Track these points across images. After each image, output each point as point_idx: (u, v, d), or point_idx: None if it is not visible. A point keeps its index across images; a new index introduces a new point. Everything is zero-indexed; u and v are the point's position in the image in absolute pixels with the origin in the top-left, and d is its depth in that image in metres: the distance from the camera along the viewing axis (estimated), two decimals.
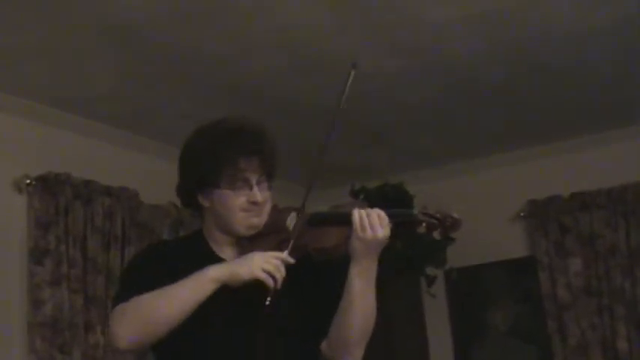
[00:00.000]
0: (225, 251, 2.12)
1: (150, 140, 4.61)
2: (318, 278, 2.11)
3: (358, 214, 1.99)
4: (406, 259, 4.81)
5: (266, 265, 1.93)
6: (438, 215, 1.99)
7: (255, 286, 1.93)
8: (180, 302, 1.93)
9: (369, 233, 1.97)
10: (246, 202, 2.04)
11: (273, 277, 1.92)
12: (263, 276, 1.92)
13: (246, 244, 2.10)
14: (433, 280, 5.17)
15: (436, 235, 2.02)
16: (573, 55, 3.97)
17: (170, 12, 3.30)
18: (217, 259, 2.10)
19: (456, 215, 1.99)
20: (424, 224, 2.00)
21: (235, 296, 1.95)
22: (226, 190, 2.04)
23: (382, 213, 2.00)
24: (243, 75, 3.94)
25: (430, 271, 5.17)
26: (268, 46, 3.66)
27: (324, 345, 2.11)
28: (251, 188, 2.05)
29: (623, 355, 4.78)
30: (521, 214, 5.29)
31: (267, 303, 1.92)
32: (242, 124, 2.10)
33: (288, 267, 1.97)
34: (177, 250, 2.17)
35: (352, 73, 2.07)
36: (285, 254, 1.97)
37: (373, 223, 1.98)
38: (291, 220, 2.06)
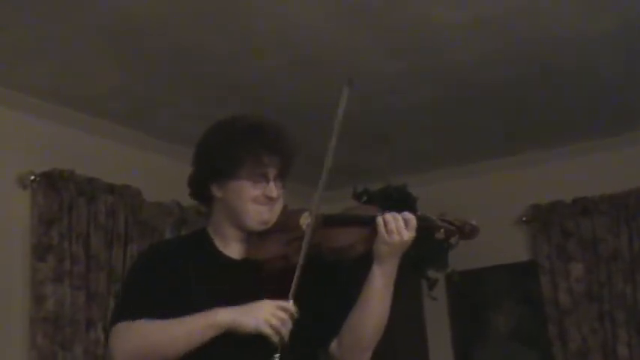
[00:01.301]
0: (232, 248, 2.12)
1: (153, 138, 4.62)
2: (329, 278, 2.12)
3: (382, 219, 2.00)
4: (407, 261, 4.81)
5: (273, 319, 1.92)
6: (456, 222, 2.01)
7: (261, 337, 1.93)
8: (181, 342, 1.95)
9: (395, 237, 1.99)
10: (261, 196, 2.06)
11: (279, 334, 1.91)
12: (269, 332, 1.92)
13: (255, 240, 2.10)
14: (434, 283, 5.18)
15: (454, 240, 2.03)
16: (577, 59, 3.97)
17: (174, 11, 3.32)
18: (223, 257, 2.11)
19: (474, 222, 2.01)
20: (442, 230, 2.01)
21: (240, 339, 1.95)
22: (244, 182, 2.05)
23: (409, 215, 2.01)
24: (245, 75, 3.95)
25: (431, 273, 5.17)
26: (270, 46, 3.67)
27: (333, 346, 2.11)
28: (268, 182, 2.07)
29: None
30: (524, 219, 5.29)
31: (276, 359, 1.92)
32: (266, 121, 2.13)
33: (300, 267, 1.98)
34: (180, 249, 2.16)
35: (346, 89, 2.07)
36: (292, 306, 1.95)
37: (399, 227, 1.99)
38: (304, 220, 2.07)
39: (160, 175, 4.55)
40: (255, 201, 2.06)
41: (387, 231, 1.99)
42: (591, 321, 4.93)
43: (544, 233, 5.17)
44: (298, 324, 1.97)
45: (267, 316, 1.92)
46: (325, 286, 2.11)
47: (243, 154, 2.04)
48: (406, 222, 2.00)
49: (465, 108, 4.57)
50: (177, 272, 2.06)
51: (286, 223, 2.09)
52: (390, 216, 2.01)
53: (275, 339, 1.92)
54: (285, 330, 1.92)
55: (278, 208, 2.10)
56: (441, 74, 4.09)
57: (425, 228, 2.02)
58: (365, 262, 2.07)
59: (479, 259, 5.26)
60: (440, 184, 5.44)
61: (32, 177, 3.91)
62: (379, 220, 2.00)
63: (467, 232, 2.00)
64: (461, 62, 3.95)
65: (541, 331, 5.14)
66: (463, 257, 5.13)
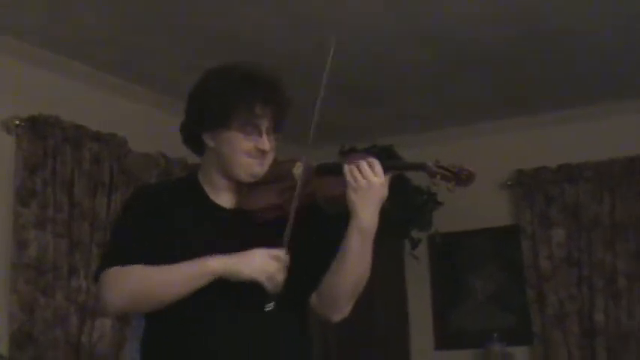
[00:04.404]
0: (223, 197, 2.11)
1: (141, 88, 4.59)
2: (320, 228, 2.10)
3: (348, 164, 1.97)
4: (391, 220, 4.83)
5: (267, 267, 1.92)
6: (452, 168, 1.97)
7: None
8: (173, 288, 1.95)
9: (362, 182, 1.95)
10: (253, 148, 2.03)
11: (273, 282, 1.93)
12: (263, 279, 1.92)
13: (246, 190, 2.09)
14: (417, 243, 5.21)
15: (450, 187, 1.98)
16: (568, 23, 3.93)
17: None
18: (213, 206, 2.10)
19: (471, 168, 1.97)
20: (438, 176, 1.97)
21: (233, 287, 1.96)
22: (236, 133, 2.02)
23: (374, 159, 1.98)
24: (235, 26, 3.91)
25: (415, 234, 5.20)
26: None
27: (313, 298, 2.10)
28: (260, 135, 2.04)
29: (599, 326, 4.85)
30: (508, 183, 5.31)
31: (268, 308, 1.94)
32: (261, 71, 2.08)
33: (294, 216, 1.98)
34: (171, 194, 2.14)
35: (333, 47, 2.05)
36: (285, 255, 1.95)
37: (365, 171, 1.95)
38: (297, 169, 2.05)
39: (147, 125, 4.52)
40: (248, 153, 2.03)
41: (352, 177, 1.95)
42: (569, 286, 4.99)
43: (527, 198, 5.20)
44: (288, 275, 1.98)
45: (261, 264, 1.92)
46: (315, 238, 2.09)
47: (236, 104, 2.01)
48: (371, 165, 1.96)
49: (453, 71, 4.56)
50: (167, 218, 2.04)
51: (278, 173, 2.08)
52: (356, 161, 1.97)
53: (269, 287, 1.92)
54: (279, 279, 1.93)
55: (269, 160, 2.08)
56: (432, 35, 4.06)
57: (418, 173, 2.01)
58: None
59: (462, 221, 5.29)
60: (426, 146, 5.42)
61: (17, 122, 3.87)
62: (345, 166, 1.97)
63: (463, 177, 1.96)
64: (452, 24, 3.92)
65: (519, 295, 5.19)
66: (447, 219, 5.16)
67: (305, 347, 2.14)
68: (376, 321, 5.08)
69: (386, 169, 1.99)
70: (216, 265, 1.93)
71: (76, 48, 4.08)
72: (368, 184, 1.95)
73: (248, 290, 1.94)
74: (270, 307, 1.93)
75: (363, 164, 1.96)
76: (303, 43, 4.03)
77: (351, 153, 1.89)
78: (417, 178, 4.64)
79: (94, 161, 4.13)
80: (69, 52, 4.12)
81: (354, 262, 2.01)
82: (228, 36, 4.01)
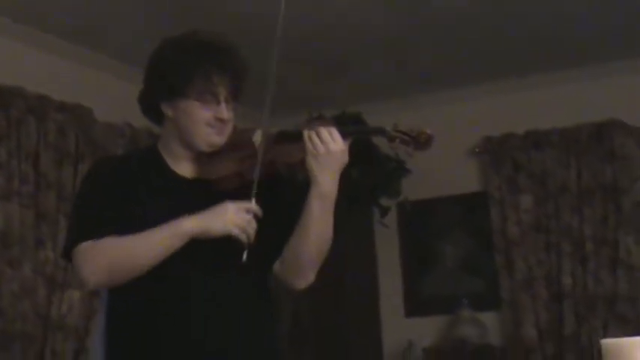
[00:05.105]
0: (183, 166, 2.11)
1: (106, 57, 4.53)
2: (282, 196, 2.11)
3: (307, 131, 1.99)
4: (360, 188, 4.84)
5: (239, 220, 1.94)
6: (411, 132, 1.98)
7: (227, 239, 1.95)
8: (150, 253, 1.96)
9: (320, 149, 1.97)
10: (212, 117, 2.03)
11: (246, 233, 1.95)
12: (236, 232, 1.94)
13: (206, 159, 2.08)
14: (386, 211, 5.22)
15: (409, 151, 2.00)
16: None
17: None
18: (174, 175, 2.10)
19: (429, 131, 1.98)
20: (397, 140, 1.98)
21: (207, 246, 1.97)
22: (194, 102, 2.02)
23: (333, 128, 1.99)
24: None
25: (384, 201, 5.21)
26: None
27: (277, 265, 2.12)
28: (219, 104, 2.03)
29: (566, 289, 4.91)
30: (476, 150, 5.33)
31: (244, 259, 1.95)
32: (219, 39, 2.08)
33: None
34: (131, 165, 2.14)
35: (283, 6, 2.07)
36: (254, 206, 1.97)
37: (324, 138, 1.97)
38: (256, 137, 2.05)
39: (112, 95, 4.47)
40: (206, 123, 2.03)
41: (312, 143, 1.97)
42: (537, 251, 5.04)
43: (495, 165, 5.23)
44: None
45: (232, 217, 1.95)
46: (277, 205, 2.10)
47: (192, 72, 2.00)
48: (330, 132, 1.97)
49: (423, 37, 4.54)
50: (132, 188, 2.04)
51: (238, 142, 2.08)
52: (315, 129, 1.99)
53: (243, 238, 1.95)
54: (251, 229, 1.95)
55: (228, 129, 2.08)
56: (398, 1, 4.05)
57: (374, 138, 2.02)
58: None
59: (431, 188, 5.31)
60: (395, 113, 5.39)
61: None
62: (305, 133, 1.99)
63: (422, 141, 1.98)
64: None
65: (488, 261, 5.23)
66: (415, 186, 5.18)
67: (271, 319, 2.16)
68: (346, 289, 5.11)
69: (345, 135, 2.00)
70: (189, 224, 1.96)
71: (39, 16, 4.00)
72: (327, 151, 1.97)
73: (220, 247, 1.96)
74: (245, 257, 1.95)
75: (322, 131, 1.97)
76: (270, 12, 3.98)
77: (312, 120, 1.90)
78: (386, 146, 4.63)
79: (59, 132, 4.09)
80: (32, 21, 4.05)
81: (316, 227, 2.03)
82: (194, 4, 3.96)
